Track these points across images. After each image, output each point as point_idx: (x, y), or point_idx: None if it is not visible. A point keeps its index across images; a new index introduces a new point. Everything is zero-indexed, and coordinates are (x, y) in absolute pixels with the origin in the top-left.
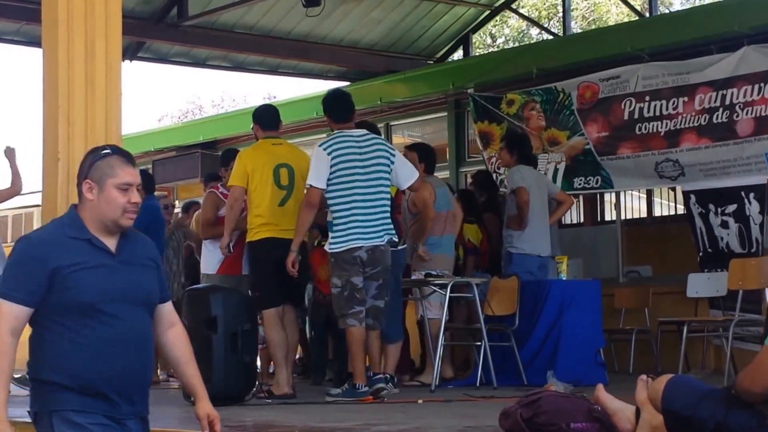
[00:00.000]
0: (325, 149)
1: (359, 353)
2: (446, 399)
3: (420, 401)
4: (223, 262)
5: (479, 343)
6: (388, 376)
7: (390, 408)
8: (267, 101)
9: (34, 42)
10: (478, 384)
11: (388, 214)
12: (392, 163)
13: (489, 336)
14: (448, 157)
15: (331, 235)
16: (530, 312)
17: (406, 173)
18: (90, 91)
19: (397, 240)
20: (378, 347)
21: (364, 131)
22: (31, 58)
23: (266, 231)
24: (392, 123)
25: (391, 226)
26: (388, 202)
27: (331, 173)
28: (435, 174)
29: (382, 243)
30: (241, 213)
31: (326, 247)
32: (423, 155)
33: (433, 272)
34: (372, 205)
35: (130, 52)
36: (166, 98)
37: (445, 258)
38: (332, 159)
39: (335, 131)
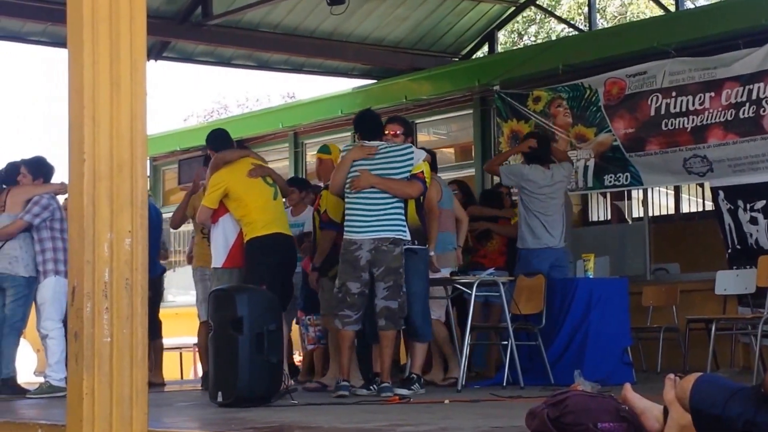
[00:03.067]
0: (341, 153)
1: (344, 352)
2: (473, 399)
3: (446, 401)
4: (228, 256)
5: (506, 343)
6: (414, 375)
7: (416, 408)
8: (290, 100)
9: (60, 43)
10: (504, 384)
11: (397, 213)
12: (408, 165)
13: (515, 335)
14: (474, 155)
15: None
16: (557, 310)
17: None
18: (115, 91)
19: (408, 239)
20: (390, 350)
21: (385, 144)
22: (57, 58)
23: (273, 226)
24: (417, 121)
25: (400, 225)
26: (396, 202)
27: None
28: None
29: (386, 239)
30: None
31: None
32: None
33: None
34: (375, 201)
35: (155, 52)
36: (192, 98)
37: (454, 255)
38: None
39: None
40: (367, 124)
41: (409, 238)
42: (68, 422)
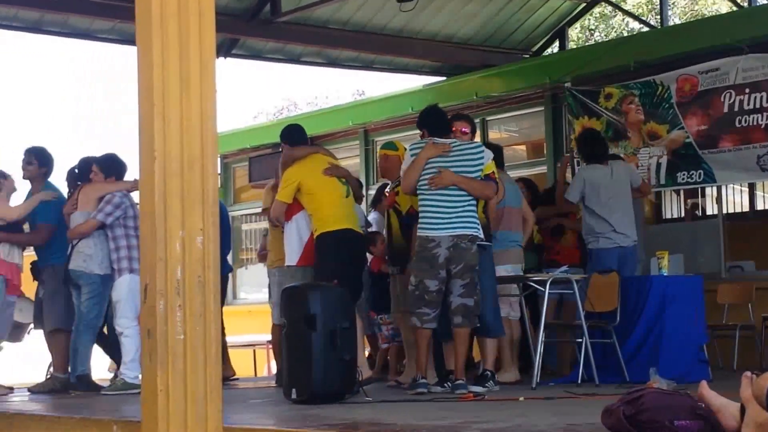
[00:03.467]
0: (411, 150)
1: (421, 350)
2: (547, 396)
3: (521, 399)
4: (302, 254)
5: (580, 340)
6: (488, 372)
7: (490, 406)
8: (359, 98)
9: (128, 40)
10: (579, 381)
11: (473, 211)
12: (480, 164)
13: (589, 333)
14: (545, 152)
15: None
16: (631, 308)
17: None
18: (185, 89)
19: (482, 237)
20: (465, 348)
21: (457, 141)
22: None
23: (343, 222)
24: (488, 118)
25: (476, 223)
26: (472, 199)
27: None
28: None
29: (466, 235)
30: None
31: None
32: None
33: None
34: (453, 199)
35: (224, 49)
36: (261, 95)
37: (517, 253)
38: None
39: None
40: (436, 120)
41: (482, 235)
42: (143, 419)
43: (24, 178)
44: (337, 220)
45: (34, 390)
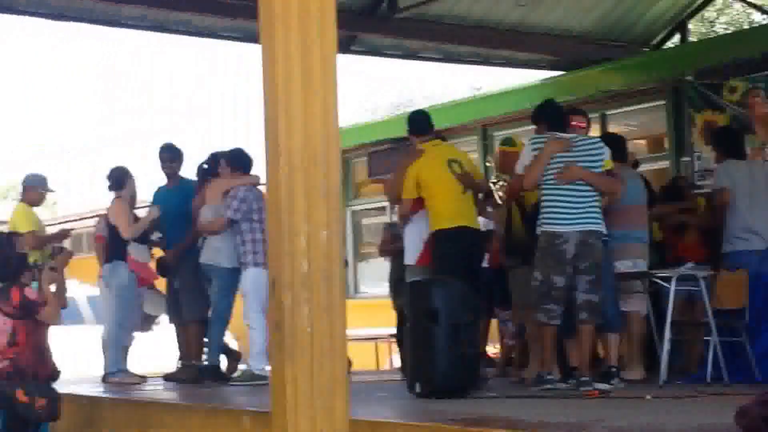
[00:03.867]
0: (532, 144)
1: (547, 346)
2: (675, 395)
3: (648, 397)
4: (422, 254)
5: (708, 338)
6: (613, 369)
7: (616, 404)
8: (474, 92)
9: (247, 38)
10: (708, 380)
11: (598, 206)
12: (602, 159)
13: (718, 330)
14: (667, 147)
15: (540, 216)
16: (762, 305)
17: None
18: (307, 85)
19: (606, 233)
20: (589, 344)
21: (578, 136)
22: (245, 53)
23: (457, 219)
24: (608, 112)
25: (601, 219)
26: (597, 195)
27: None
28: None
29: (593, 231)
30: None
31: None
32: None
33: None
34: (580, 194)
35: (343, 46)
36: (377, 91)
37: (638, 248)
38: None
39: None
40: (556, 115)
41: (606, 231)
42: (273, 410)
43: (166, 175)
44: (451, 216)
45: (169, 378)
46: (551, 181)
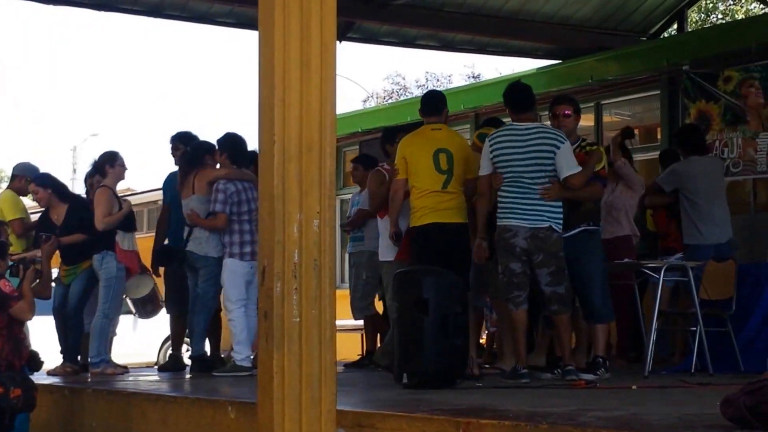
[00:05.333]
0: (488, 140)
1: (520, 336)
2: (661, 385)
3: (634, 387)
4: (399, 249)
5: (694, 328)
6: (600, 359)
7: (603, 394)
8: (472, 81)
9: (246, 24)
10: (693, 370)
11: (551, 202)
12: (555, 153)
13: (704, 321)
14: (660, 137)
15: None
16: (747, 296)
17: (564, 165)
18: (305, 72)
19: (558, 227)
20: (567, 334)
21: (533, 125)
22: (242, 39)
23: (429, 216)
24: (603, 102)
25: (555, 213)
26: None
27: (493, 163)
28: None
29: (542, 227)
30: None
31: None
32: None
33: None
34: (527, 190)
35: (340, 33)
36: (371, 78)
37: None
38: (492, 150)
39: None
40: (515, 99)
41: (560, 226)
42: (259, 400)
43: (176, 163)
44: (425, 213)
45: (161, 368)
46: (505, 178)
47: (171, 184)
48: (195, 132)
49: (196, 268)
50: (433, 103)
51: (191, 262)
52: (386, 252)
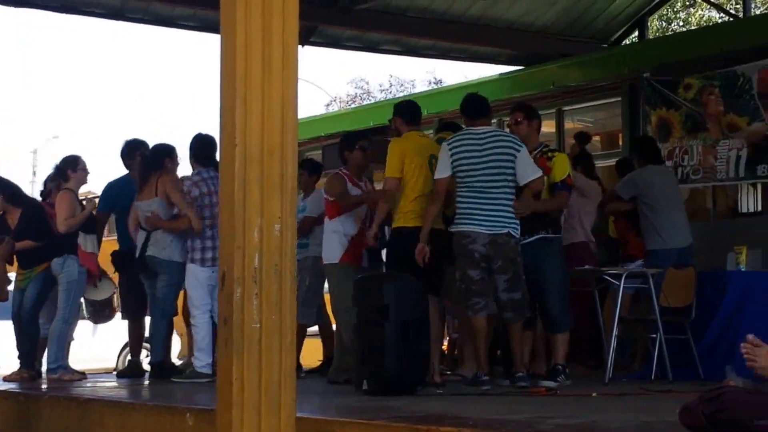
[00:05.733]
0: (447, 144)
1: (480, 343)
2: (621, 392)
3: (594, 394)
4: (345, 252)
5: (654, 335)
6: (559, 366)
7: (563, 401)
8: (434, 86)
9: (209, 27)
10: (653, 377)
11: (508, 208)
12: (515, 158)
13: (664, 328)
14: (621, 143)
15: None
16: (707, 304)
17: (524, 170)
18: (267, 75)
19: (516, 233)
20: (519, 341)
21: (489, 128)
22: (204, 43)
23: (419, 220)
24: (564, 108)
25: (514, 219)
26: (510, 196)
27: (453, 167)
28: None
29: (500, 234)
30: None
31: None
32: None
33: None
34: (489, 196)
35: (303, 37)
36: (334, 83)
37: None
38: (452, 154)
39: (463, 129)
40: (473, 108)
41: (518, 232)
42: (217, 407)
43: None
44: (416, 215)
45: (120, 374)
46: (462, 183)
47: (112, 193)
48: (168, 135)
49: (157, 272)
50: (417, 111)
51: (152, 267)
52: (331, 254)
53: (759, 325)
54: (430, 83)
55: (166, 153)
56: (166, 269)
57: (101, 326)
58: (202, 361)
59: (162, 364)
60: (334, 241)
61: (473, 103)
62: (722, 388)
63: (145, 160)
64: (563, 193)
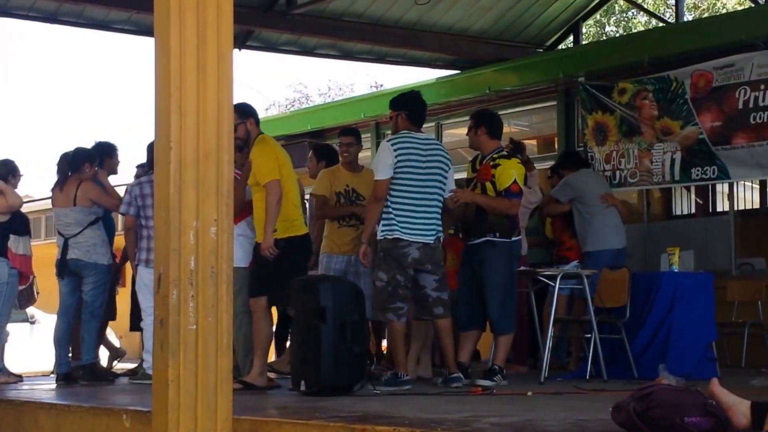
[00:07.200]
0: (392, 145)
1: (399, 345)
2: (556, 391)
3: (529, 393)
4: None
5: (589, 336)
6: (496, 367)
7: (499, 400)
8: (374, 89)
9: (144, 31)
10: (587, 377)
11: (439, 215)
12: (448, 169)
13: (599, 328)
14: (557, 147)
15: (380, 224)
16: (641, 304)
17: (451, 184)
18: (202, 79)
19: (441, 238)
20: (450, 339)
21: (429, 136)
22: (140, 47)
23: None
24: (501, 112)
25: (441, 224)
26: (440, 204)
27: (396, 169)
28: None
29: (431, 241)
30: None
31: (378, 236)
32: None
33: None
34: (424, 203)
35: (239, 41)
36: (273, 87)
37: None
38: (397, 156)
39: (402, 131)
40: (419, 109)
41: (442, 235)
42: (154, 409)
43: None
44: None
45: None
46: (400, 187)
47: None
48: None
49: (81, 275)
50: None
51: (76, 270)
52: (241, 258)
53: (689, 325)
54: (370, 87)
55: (84, 157)
56: (91, 271)
57: (38, 328)
58: (149, 363)
59: (93, 367)
60: (243, 246)
61: (422, 108)
62: (653, 386)
63: (61, 165)
64: (504, 199)
